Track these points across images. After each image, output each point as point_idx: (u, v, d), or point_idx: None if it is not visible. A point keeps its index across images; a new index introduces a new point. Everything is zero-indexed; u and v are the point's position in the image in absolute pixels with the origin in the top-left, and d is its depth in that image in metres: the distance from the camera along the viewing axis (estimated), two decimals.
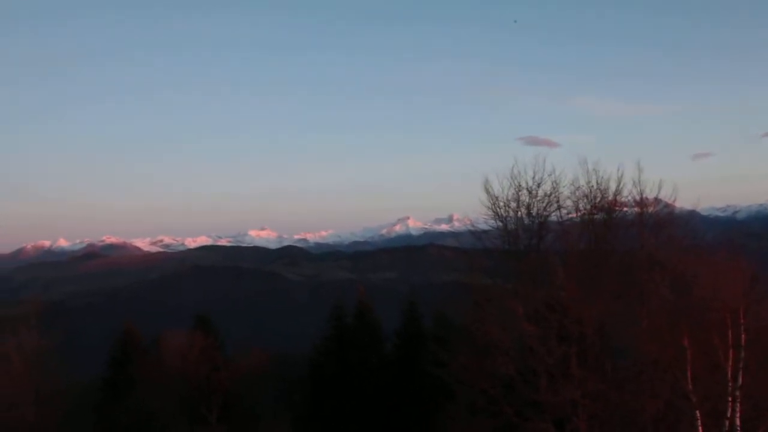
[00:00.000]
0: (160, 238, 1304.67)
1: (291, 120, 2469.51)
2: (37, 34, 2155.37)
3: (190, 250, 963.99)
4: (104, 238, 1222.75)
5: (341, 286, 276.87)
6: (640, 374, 29.86)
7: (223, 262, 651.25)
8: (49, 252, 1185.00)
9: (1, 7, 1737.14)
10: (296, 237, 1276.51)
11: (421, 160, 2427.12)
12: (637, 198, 35.05)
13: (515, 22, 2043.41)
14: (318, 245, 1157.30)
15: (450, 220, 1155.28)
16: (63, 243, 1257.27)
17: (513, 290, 32.88)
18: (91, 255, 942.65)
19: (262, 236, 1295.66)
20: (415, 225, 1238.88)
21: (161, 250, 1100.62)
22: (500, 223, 35.16)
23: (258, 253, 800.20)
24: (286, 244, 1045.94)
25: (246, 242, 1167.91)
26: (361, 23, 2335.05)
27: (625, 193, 35.02)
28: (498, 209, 35.02)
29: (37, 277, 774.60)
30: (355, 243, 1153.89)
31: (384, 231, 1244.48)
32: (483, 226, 36.78)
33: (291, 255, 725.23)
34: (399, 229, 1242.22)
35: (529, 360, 30.54)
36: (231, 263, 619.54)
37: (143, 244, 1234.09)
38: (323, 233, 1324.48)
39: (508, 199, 34.85)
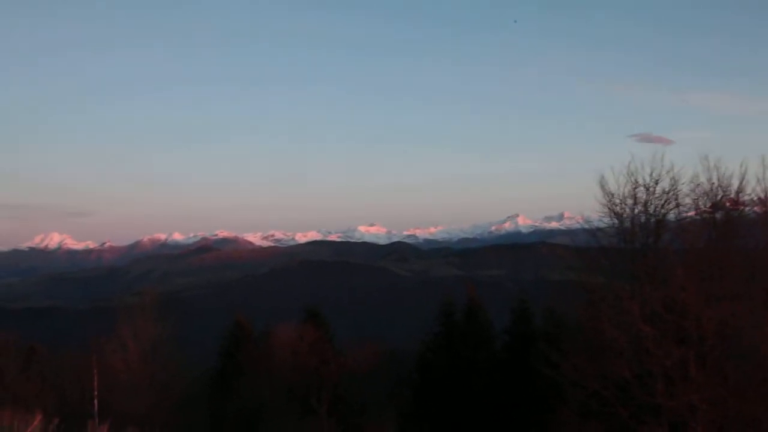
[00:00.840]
0: (271, 232, 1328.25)
1: (401, 116, 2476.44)
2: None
3: (300, 245, 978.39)
4: (217, 232, 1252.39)
5: (450, 283, 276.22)
6: (764, 381, 28.58)
7: (333, 257, 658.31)
8: (164, 245, 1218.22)
9: None
10: (405, 233, 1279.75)
11: (531, 158, 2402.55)
12: (762, 195, 33.62)
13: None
14: (427, 241, 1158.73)
15: (561, 217, 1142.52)
16: (178, 237, 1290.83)
17: (629, 290, 31.87)
18: (205, 248, 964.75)
19: (372, 232, 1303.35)
20: (525, 222, 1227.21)
21: (272, 244, 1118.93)
22: (616, 221, 34.14)
23: (367, 248, 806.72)
24: (395, 240, 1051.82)
25: (355, 238, 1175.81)
26: (471, 23, 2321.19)
27: (748, 190, 33.63)
28: (614, 206, 33.98)
29: (153, 269, 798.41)
30: (464, 240, 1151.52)
31: (493, 228, 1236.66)
32: (597, 224, 35.81)
33: (400, 251, 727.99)
34: (508, 226, 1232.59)
35: (645, 362, 29.55)
36: (340, 258, 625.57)
37: (255, 238, 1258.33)
38: (432, 230, 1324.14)
39: (624, 196, 33.74)
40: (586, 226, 36.55)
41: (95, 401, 47.00)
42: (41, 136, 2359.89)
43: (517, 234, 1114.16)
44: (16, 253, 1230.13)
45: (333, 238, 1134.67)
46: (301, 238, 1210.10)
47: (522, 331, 57.19)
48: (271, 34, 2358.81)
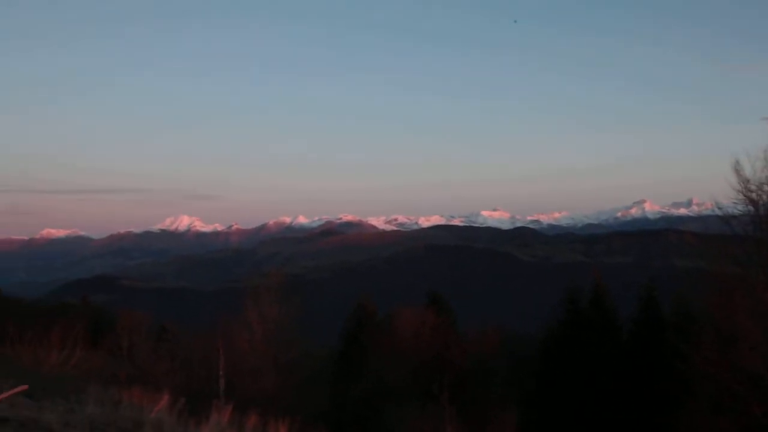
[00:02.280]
0: (394, 216, 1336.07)
1: (527, 101, 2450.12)
2: None
3: (423, 229, 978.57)
4: (341, 216, 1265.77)
5: (574, 270, 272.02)
6: None
7: (456, 241, 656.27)
8: (289, 228, 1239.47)
9: None
10: (529, 218, 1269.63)
11: (658, 142, 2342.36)
12: None
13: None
14: (551, 227, 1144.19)
15: (689, 204, 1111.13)
16: (302, 220, 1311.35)
17: (765, 280, 30.46)
18: (329, 232, 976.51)
19: (495, 217, 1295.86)
20: (652, 209, 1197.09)
21: (396, 228, 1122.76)
22: (751, 208, 32.61)
23: (490, 233, 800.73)
24: (518, 225, 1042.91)
25: (479, 222, 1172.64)
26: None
27: None
28: (749, 193, 32.48)
29: (278, 252, 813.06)
30: (589, 226, 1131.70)
31: (619, 214, 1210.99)
32: (730, 211, 34.28)
33: (523, 236, 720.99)
34: (635, 212, 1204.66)
35: None
36: (463, 243, 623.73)
37: (378, 222, 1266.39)
38: (556, 215, 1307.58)
39: (761, 183, 32.25)
40: (719, 213, 35.04)
41: (221, 381, 47.86)
42: (172, 123, 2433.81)
43: (644, 220, 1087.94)
44: (148, 235, 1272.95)
45: (456, 222, 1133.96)
46: (425, 222, 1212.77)
47: (649, 320, 55.57)
48: (418, 32, 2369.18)
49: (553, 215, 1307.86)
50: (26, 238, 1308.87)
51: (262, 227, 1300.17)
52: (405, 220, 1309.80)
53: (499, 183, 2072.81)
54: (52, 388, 24.93)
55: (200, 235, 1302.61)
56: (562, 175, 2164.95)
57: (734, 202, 33.31)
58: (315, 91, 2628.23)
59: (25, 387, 11.07)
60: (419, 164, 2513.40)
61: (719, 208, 35.32)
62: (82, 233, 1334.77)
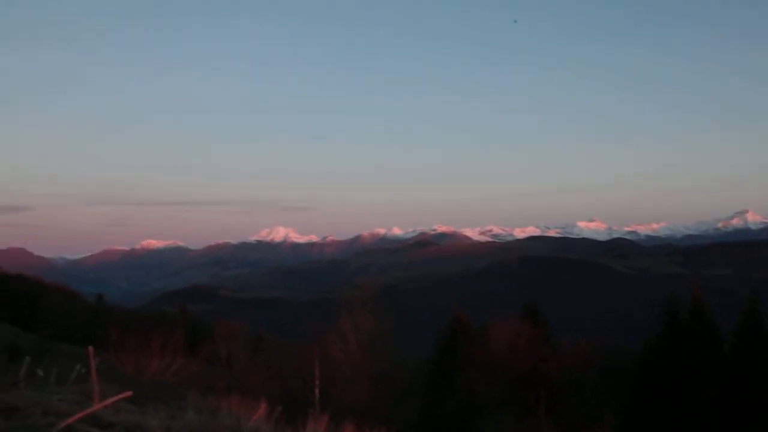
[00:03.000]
0: (489, 227, 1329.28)
1: (625, 108, 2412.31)
2: None
3: (518, 240, 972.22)
4: (435, 227, 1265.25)
5: (672, 282, 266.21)
6: None
7: (551, 252, 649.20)
8: (383, 239, 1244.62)
9: None
10: (626, 229, 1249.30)
11: (762, 151, 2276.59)
12: None
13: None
14: (649, 238, 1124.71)
15: None
16: (397, 231, 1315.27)
17: None
18: (423, 243, 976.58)
19: (591, 228, 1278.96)
20: (754, 219, 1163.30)
21: (490, 239, 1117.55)
22: None
23: (586, 244, 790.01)
24: (615, 236, 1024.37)
25: (574, 233, 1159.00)
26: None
27: None
28: None
29: (372, 263, 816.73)
30: (689, 237, 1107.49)
31: (720, 225, 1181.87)
32: None
33: (620, 247, 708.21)
34: (736, 222, 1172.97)
35: None
36: (558, 254, 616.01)
37: (473, 233, 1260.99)
38: (654, 226, 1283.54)
39: None
40: None
41: (316, 391, 48.28)
42: (269, 136, 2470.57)
43: (746, 231, 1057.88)
44: (244, 245, 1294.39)
45: (551, 233, 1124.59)
46: (520, 233, 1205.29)
47: (752, 333, 53.97)
48: (510, 47, 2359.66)
49: (651, 226, 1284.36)
50: (127, 248, 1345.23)
51: (357, 238, 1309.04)
52: (499, 231, 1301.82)
53: (595, 193, 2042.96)
54: (154, 395, 25.50)
55: (295, 246, 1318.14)
56: (661, 185, 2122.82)
57: None
58: (409, 104, 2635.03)
59: (129, 393, 11.35)
60: (515, 175, 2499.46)
61: None
62: (181, 244, 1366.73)
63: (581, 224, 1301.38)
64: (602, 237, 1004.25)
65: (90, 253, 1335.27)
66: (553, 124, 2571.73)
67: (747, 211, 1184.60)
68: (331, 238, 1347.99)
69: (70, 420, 11.11)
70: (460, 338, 66.94)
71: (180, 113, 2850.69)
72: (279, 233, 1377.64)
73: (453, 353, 65.23)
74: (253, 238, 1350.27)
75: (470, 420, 56.33)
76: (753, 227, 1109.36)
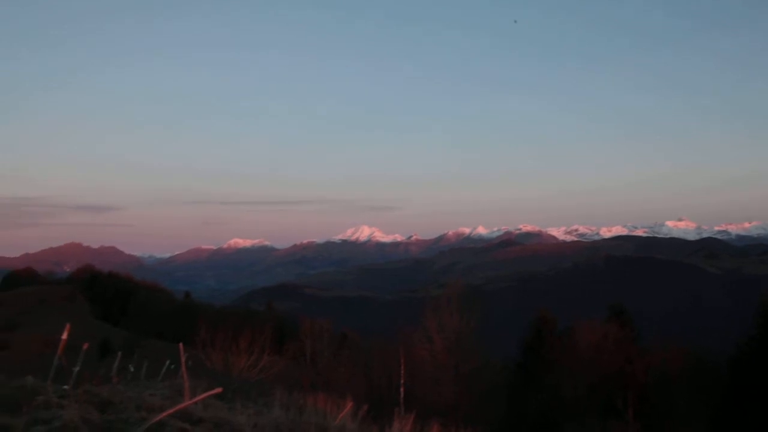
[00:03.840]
0: (575, 227, 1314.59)
1: (716, 103, 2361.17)
2: None
3: (604, 239, 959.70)
4: (521, 226, 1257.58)
5: (765, 283, 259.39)
6: None
7: (638, 252, 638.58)
8: (468, 238, 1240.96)
9: None
10: (717, 228, 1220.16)
11: None
12: None
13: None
14: (740, 237, 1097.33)
15: None
16: (481, 230, 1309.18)
17: None
18: (508, 242, 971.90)
19: (680, 227, 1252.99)
20: None
21: (575, 239, 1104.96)
22: None
23: (674, 244, 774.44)
24: (705, 235, 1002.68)
25: (662, 233, 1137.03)
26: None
27: None
28: None
29: (457, 262, 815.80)
30: None
31: None
32: None
33: (710, 247, 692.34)
34: None
35: None
36: (646, 254, 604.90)
37: (558, 232, 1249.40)
38: (747, 225, 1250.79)
39: None
40: None
41: (401, 390, 48.40)
42: (354, 137, 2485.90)
43: None
44: (329, 244, 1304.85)
45: (638, 233, 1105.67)
46: (606, 232, 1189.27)
47: None
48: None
49: (743, 225, 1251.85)
50: (215, 247, 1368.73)
51: (442, 237, 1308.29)
52: (585, 231, 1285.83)
53: (684, 192, 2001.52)
54: (241, 391, 25.90)
55: (380, 245, 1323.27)
56: (753, 183, 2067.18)
57: None
58: (495, 104, 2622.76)
59: (220, 390, 11.53)
60: (601, 174, 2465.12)
61: None
62: (267, 243, 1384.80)
63: (669, 223, 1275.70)
64: (691, 236, 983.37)
65: (179, 252, 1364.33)
66: (641, 121, 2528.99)
67: None
68: (415, 237, 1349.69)
69: (162, 415, 11.34)
70: (545, 338, 66.26)
71: (268, 115, 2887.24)
72: (364, 232, 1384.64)
73: (538, 354, 64.62)
74: (338, 238, 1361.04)
75: (555, 421, 55.79)
76: None
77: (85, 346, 24.03)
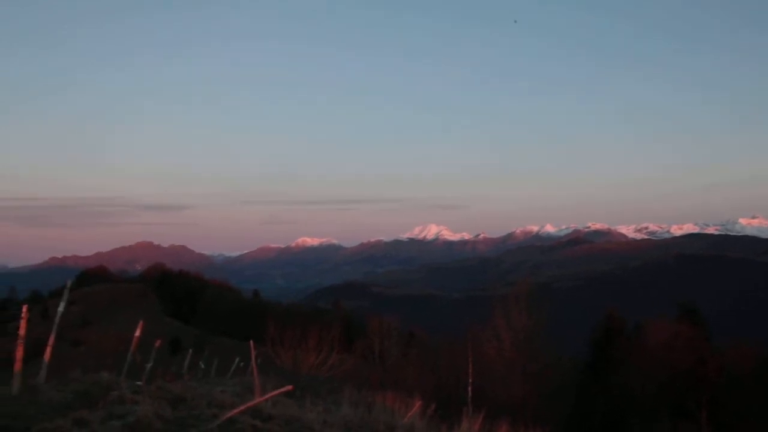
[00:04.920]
0: (645, 225, 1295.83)
1: None
2: None
3: (675, 237, 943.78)
4: (589, 224, 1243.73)
5: None
6: None
7: (710, 251, 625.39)
8: (536, 236, 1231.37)
9: None
10: None
11: None
12: None
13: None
14: None
15: None
16: (550, 228, 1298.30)
17: None
18: (576, 241, 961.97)
19: (754, 225, 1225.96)
20: None
21: (646, 237, 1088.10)
22: None
23: (748, 242, 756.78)
24: None
25: (735, 231, 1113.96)
26: None
27: None
28: None
29: (525, 260, 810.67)
30: None
31: None
32: None
33: None
34: None
35: None
36: (718, 253, 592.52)
37: (628, 230, 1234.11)
38: None
39: None
40: None
41: (469, 389, 48.24)
42: (421, 136, 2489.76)
43: None
44: (396, 243, 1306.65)
45: (710, 230, 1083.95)
46: (677, 230, 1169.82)
47: None
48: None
49: None
50: (283, 245, 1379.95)
51: (509, 236, 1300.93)
52: (656, 229, 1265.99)
53: (759, 189, 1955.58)
54: (310, 389, 26.06)
55: (448, 244, 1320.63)
56: None
57: None
58: (562, 102, 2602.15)
59: (290, 387, 11.64)
60: (672, 171, 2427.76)
61: None
62: (335, 241, 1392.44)
63: (743, 221, 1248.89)
64: (765, 235, 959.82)
65: (247, 251, 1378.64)
66: (713, 113, 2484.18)
67: None
68: (483, 235, 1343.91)
69: (234, 412, 11.48)
70: (614, 337, 65.49)
71: (336, 115, 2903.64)
72: (431, 231, 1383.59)
73: (607, 353, 63.89)
74: (405, 236, 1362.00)
75: (623, 421, 55.14)
76: None
77: (158, 343, 24.53)
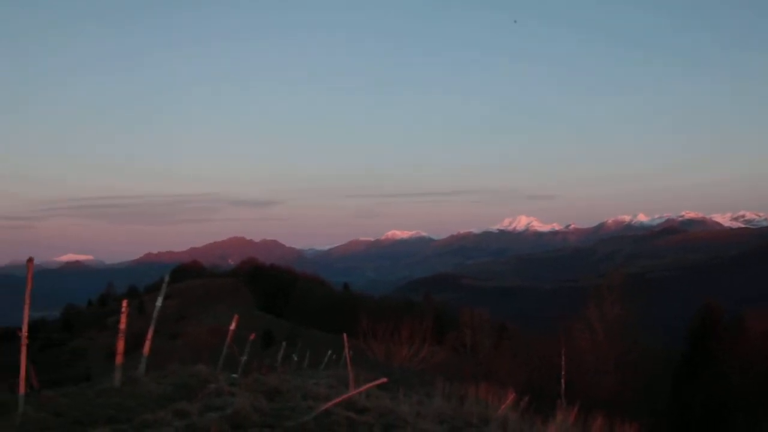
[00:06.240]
0: (741, 213, 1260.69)
1: None
2: None
3: None
4: (683, 213, 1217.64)
5: None
6: None
7: None
8: (629, 226, 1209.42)
9: None
10: None
11: None
12: None
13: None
14: None
15: None
16: (642, 218, 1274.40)
17: None
18: (670, 230, 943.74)
19: None
20: None
21: (742, 225, 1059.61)
22: None
23: None
24: None
25: None
26: None
27: None
28: None
29: (618, 250, 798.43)
30: None
31: None
32: None
33: None
34: None
35: None
36: None
37: (723, 219, 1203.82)
38: None
39: None
40: None
41: (563, 381, 47.78)
42: (507, 124, 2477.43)
43: None
44: (486, 235, 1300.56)
45: None
46: None
47: None
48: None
49: None
50: (373, 239, 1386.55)
51: (601, 226, 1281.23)
52: (753, 217, 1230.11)
53: None
54: (403, 381, 26.15)
55: (538, 235, 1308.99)
56: None
57: None
58: (650, 86, 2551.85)
59: (385, 380, 11.70)
60: (767, 156, 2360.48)
61: None
62: (424, 234, 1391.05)
63: None
64: None
65: (338, 244, 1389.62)
66: None
67: None
68: (574, 226, 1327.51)
69: (330, 404, 11.60)
70: (711, 329, 64.08)
71: (420, 108, 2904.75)
72: (521, 222, 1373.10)
73: (704, 345, 62.56)
74: (495, 228, 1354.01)
75: (722, 414, 53.98)
76: None
77: (252, 336, 24.91)
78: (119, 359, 14.04)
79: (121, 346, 14.13)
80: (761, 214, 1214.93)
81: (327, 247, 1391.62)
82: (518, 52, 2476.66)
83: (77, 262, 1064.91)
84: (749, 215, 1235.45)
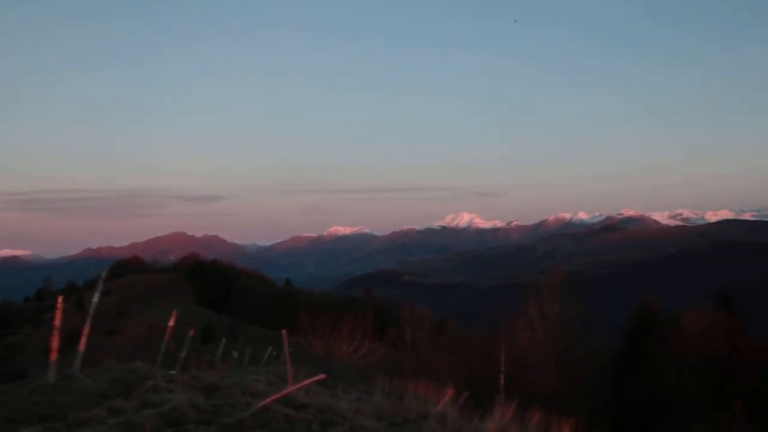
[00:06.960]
0: (679, 211, 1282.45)
1: None
2: None
3: (710, 224, 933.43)
4: (623, 211, 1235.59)
5: None
6: None
7: (746, 237, 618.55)
8: (569, 224, 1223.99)
9: None
10: None
11: None
12: None
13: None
14: None
15: None
16: (582, 216, 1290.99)
17: None
18: (609, 228, 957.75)
19: None
20: None
21: (680, 223, 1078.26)
22: None
23: None
24: None
25: None
26: None
27: None
28: None
29: (558, 248, 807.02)
30: None
31: None
32: None
33: None
34: None
35: None
36: (755, 239, 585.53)
37: (661, 217, 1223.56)
38: None
39: None
40: None
41: (502, 377, 48.18)
42: (448, 123, 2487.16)
43: None
44: (429, 231, 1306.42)
45: (747, 216, 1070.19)
46: (712, 216, 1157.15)
47: None
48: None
49: None
50: (315, 235, 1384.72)
51: (542, 223, 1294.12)
52: (690, 215, 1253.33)
53: None
54: (342, 378, 26.20)
55: (480, 232, 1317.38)
56: None
57: None
58: (592, 88, 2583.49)
59: (324, 376, 11.71)
60: (707, 156, 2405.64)
61: None
62: (367, 230, 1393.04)
63: None
64: None
65: (280, 240, 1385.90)
66: (751, 102, 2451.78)
67: None
68: (515, 223, 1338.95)
69: (267, 401, 11.57)
70: (649, 326, 65.02)
71: (366, 104, 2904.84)
72: (463, 219, 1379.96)
73: (641, 342, 63.46)
74: (437, 224, 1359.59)
75: (659, 411, 54.82)
76: None
77: (191, 332, 24.74)
78: (54, 356, 13.86)
79: (56, 342, 13.94)
80: (698, 212, 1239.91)
81: (269, 243, 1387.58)
82: (467, 45, 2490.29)
83: (14, 257, 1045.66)
84: (687, 213, 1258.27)
